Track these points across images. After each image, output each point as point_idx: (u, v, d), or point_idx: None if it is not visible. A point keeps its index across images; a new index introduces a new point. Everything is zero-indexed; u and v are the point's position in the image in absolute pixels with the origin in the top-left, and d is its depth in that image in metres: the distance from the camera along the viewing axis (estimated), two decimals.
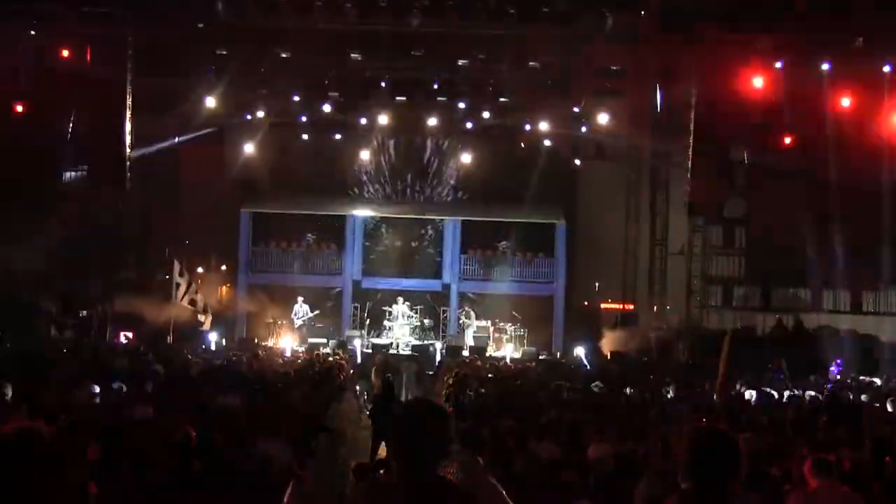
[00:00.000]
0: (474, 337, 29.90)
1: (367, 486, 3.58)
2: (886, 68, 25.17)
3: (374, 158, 32.72)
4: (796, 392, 18.43)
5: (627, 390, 17.57)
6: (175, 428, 9.21)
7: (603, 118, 29.16)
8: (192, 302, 24.34)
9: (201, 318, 25.35)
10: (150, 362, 18.08)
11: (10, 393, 11.07)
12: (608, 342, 29.28)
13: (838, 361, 20.66)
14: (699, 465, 3.84)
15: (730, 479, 3.82)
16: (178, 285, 23.77)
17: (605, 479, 8.37)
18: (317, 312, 30.60)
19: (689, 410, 13.94)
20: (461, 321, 31.44)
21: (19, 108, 25.49)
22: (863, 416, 13.28)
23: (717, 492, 3.80)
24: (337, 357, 24.41)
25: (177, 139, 28.84)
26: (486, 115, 29.34)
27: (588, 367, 25.42)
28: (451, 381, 19.65)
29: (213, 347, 26.62)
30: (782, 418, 13.59)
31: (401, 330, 29.97)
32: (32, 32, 23.04)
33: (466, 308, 31.70)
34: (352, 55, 26.01)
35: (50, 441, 2.99)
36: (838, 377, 19.86)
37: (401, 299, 30.71)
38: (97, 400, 12.55)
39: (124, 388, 13.40)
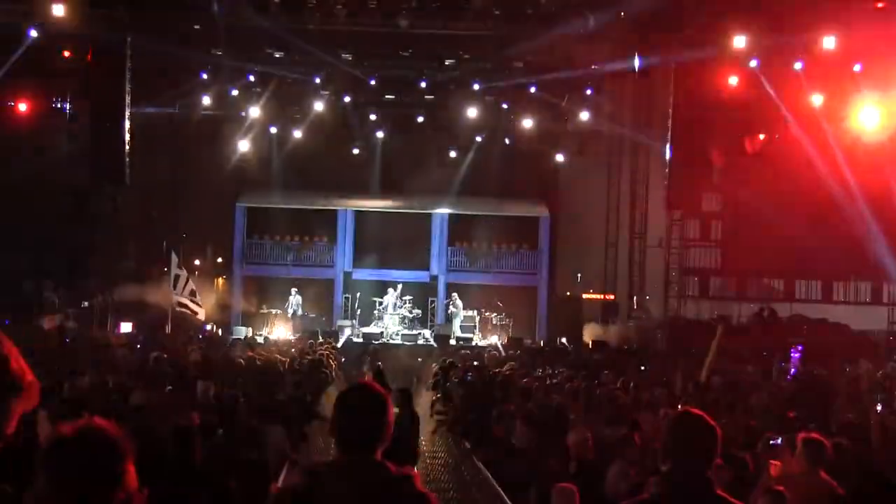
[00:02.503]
0: (461, 326, 30.67)
1: (307, 472, 3.57)
2: (857, 67, 25.95)
3: (363, 154, 33.58)
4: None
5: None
6: (178, 413, 9.86)
7: (584, 115, 30.08)
8: (193, 293, 25.10)
9: (197, 311, 26.11)
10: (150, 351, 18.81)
11: None
12: (590, 331, 30.17)
13: (800, 347, 21.53)
14: (678, 448, 3.96)
15: (707, 462, 3.93)
16: (176, 277, 24.54)
17: (585, 463, 8.45)
18: (300, 300, 31.41)
19: (666, 396, 14.49)
20: (449, 311, 32.27)
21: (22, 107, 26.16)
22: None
23: (694, 474, 3.91)
24: (328, 345, 25.19)
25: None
26: (471, 112, 30.16)
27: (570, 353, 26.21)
28: (437, 369, 20.52)
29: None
30: (754, 403, 14.10)
31: (390, 320, 30.71)
32: (34, 34, 23.48)
33: (453, 297, 32.55)
34: (343, 55, 26.82)
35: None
36: (798, 363, 20.71)
37: (390, 290, 31.50)
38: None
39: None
